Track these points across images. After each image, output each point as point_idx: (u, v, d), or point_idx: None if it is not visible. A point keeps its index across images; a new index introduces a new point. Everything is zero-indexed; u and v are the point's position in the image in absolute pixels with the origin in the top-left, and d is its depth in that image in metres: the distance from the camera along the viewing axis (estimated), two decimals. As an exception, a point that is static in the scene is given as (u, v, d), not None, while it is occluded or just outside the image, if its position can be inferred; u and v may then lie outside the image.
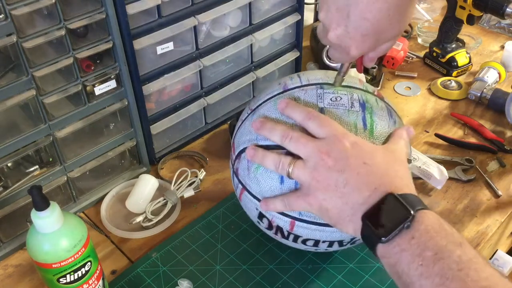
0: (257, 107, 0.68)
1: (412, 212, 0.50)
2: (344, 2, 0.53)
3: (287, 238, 0.68)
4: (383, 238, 0.50)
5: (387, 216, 0.51)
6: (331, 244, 0.67)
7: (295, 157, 0.59)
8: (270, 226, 0.68)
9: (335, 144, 0.57)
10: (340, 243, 0.67)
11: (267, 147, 0.63)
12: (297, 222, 0.64)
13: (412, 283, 0.48)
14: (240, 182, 0.68)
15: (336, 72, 0.66)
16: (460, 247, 0.48)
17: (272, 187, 0.63)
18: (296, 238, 0.67)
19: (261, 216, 0.67)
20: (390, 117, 0.66)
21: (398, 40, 0.63)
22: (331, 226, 0.63)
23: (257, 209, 0.67)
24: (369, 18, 0.53)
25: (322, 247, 0.68)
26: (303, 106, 0.62)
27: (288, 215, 0.63)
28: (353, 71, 0.64)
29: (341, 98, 0.64)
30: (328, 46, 0.61)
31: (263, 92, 0.70)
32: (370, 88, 0.69)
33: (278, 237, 0.69)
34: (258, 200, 0.65)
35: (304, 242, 0.67)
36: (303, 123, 0.60)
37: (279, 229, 0.66)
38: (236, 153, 0.68)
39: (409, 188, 0.55)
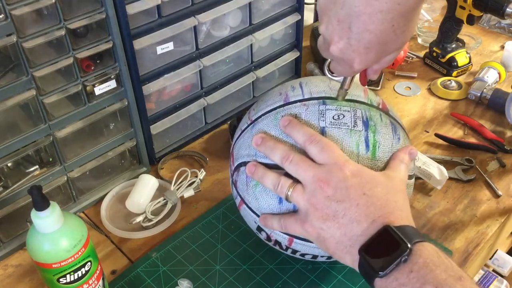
0: (257, 119, 0.66)
1: (409, 245, 0.49)
2: (346, 14, 0.50)
3: (285, 250, 0.68)
4: (380, 273, 0.50)
5: (384, 250, 0.51)
6: (330, 257, 0.67)
7: (295, 180, 0.58)
8: (268, 239, 0.68)
9: (335, 173, 0.56)
10: None
11: (266, 165, 0.62)
12: (295, 240, 0.64)
13: None
14: (238, 194, 0.68)
15: (339, 84, 0.64)
16: (460, 281, 0.47)
17: (270, 205, 0.63)
18: (294, 252, 0.67)
19: (259, 229, 0.67)
20: (395, 133, 0.64)
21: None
22: None
23: (255, 222, 0.67)
24: (372, 29, 0.50)
25: (321, 260, 0.68)
26: (305, 127, 0.60)
27: (287, 233, 0.63)
28: (356, 77, 0.63)
29: (343, 116, 0.62)
30: (329, 59, 0.59)
31: (263, 102, 0.68)
32: (375, 100, 0.66)
33: (277, 248, 0.69)
34: (257, 215, 0.65)
35: (302, 255, 0.67)
36: (304, 146, 0.59)
37: (277, 242, 0.67)
38: (235, 165, 0.68)
39: (407, 219, 0.55)
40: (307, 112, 0.62)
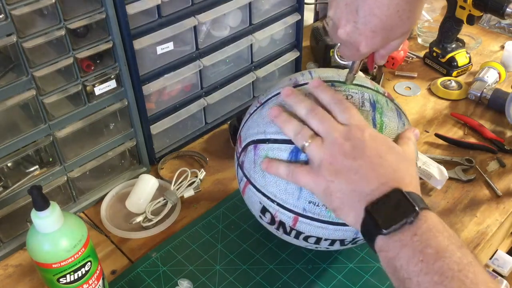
0: (267, 100, 0.68)
1: (417, 208, 0.50)
2: None
3: (288, 234, 0.68)
4: (384, 230, 0.50)
5: (391, 209, 0.51)
6: (332, 242, 0.67)
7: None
8: (272, 221, 0.67)
9: (355, 132, 0.57)
10: (342, 242, 0.67)
11: (275, 141, 0.63)
12: (300, 218, 0.64)
13: (409, 279, 0.47)
14: (244, 175, 0.68)
15: (347, 70, 0.66)
16: (461, 250, 0.48)
17: (277, 181, 0.63)
18: (298, 234, 0.67)
19: (264, 210, 0.67)
20: (400, 118, 0.66)
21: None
22: (334, 224, 0.63)
23: (260, 203, 0.67)
24: (377, 14, 0.53)
25: (324, 245, 0.68)
26: (332, 90, 0.62)
27: (292, 210, 0.63)
28: (364, 77, 0.65)
29: (352, 97, 0.64)
30: (338, 44, 0.61)
31: (272, 87, 0.70)
32: (381, 89, 0.69)
33: (280, 233, 0.69)
34: (263, 194, 0.65)
35: (305, 239, 0.67)
36: (328, 104, 0.60)
37: (281, 224, 0.66)
38: (243, 146, 0.68)
39: (416, 188, 0.56)
40: None
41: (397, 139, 0.63)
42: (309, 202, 0.62)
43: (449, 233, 0.50)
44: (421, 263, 0.47)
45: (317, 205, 0.62)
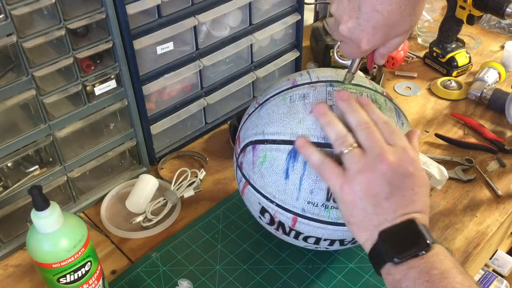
0: (265, 101, 0.68)
1: (428, 242, 0.52)
2: None
3: (288, 234, 0.68)
4: (396, 259, 0.51)
5: (405, 241, 0.53)
6: (332, 242, 0.67)
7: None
8: (271, 222, 0.67)
9: (400, 157, 0.56)
10: (341, 242, 0.67)
11: (273, 141, 0.63)
12: (299, 219, 0.64)
13: None
14: (243, 176, 0.68)
15: (346, 70, 0.66)
16: (463, 274, 0.50)
17: (276, 182, 0.63)
18: (297, 234, 0.67)
19: (263, 210, 0.67)
20: (398, 118, 0.66)
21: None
22: (333, 224, 0.63)
23: (259, 203, 0.67)
24: (380, 10, 0.53)
25: (323, 245, 0.68)
26: (379, 111, 0.61)
27: (291, 211, 0.63)
28: (363, 76, 0.64)
29: None
30: (339, 42, 0.61)
31: (270, 87, 0.70)
32: (379, 88, 0.69)
33: (279, 233, 0.69)
34: (261, 194, 0.65)
35: (305, 239, 0.67)
36: (378, 123, 0.59)
37: (280, 224, 0.66)
38: (242, 147, 0.68)
39: (426, 220, 0.56)
40: (315, 92, 0.64)
41: None
42: (308, 203, 0.62)
43: (454, 261, 0.52)
44: (426, 283, 0.49)
45: (316, 206, 0.62)
